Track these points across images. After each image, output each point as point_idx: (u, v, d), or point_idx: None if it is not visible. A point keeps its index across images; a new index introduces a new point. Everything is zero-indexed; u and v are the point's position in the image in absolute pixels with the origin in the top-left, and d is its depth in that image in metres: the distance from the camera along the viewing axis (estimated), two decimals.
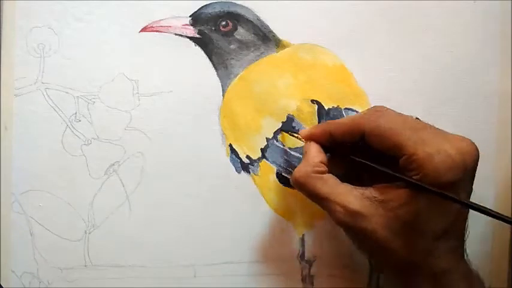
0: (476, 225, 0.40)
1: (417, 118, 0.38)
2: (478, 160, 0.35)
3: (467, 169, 0.34)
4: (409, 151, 0.34)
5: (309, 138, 0.38)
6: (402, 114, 0.37)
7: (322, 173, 0.36)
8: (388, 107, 0.37)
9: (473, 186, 0.43)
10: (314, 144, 0.38)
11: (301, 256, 0.43)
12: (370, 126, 0.36)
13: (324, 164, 0.37)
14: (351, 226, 0.35)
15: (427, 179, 0.33)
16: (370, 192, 0.35)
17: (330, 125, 0.38)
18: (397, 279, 0.37)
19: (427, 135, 0.35)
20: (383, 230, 0.34)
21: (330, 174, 0.36)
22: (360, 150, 0.37)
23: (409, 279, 0.35)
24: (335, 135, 0.37)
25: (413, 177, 0.34)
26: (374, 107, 0.38)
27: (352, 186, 0.36)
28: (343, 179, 0.37)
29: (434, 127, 0.36)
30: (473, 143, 0.35)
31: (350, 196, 0.35)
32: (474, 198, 0.44)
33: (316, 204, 0.37)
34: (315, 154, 0.37)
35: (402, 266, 0.35)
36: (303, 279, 0.43)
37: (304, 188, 0.37)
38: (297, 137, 0.40)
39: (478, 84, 0.44)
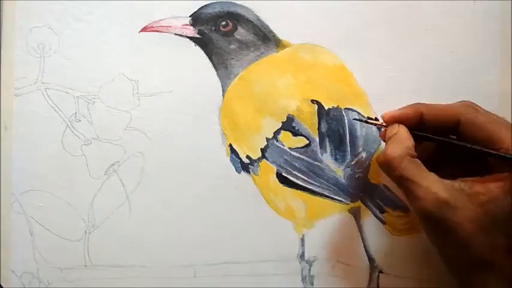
0: None
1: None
2: None
3: None
4: (506, 145, 0.34)
5: (398, 118, 0.38)
6: (492, 113, 0.37)
7: (415, 157, 0.36)
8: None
9: None
10: (404, 127, 0.37)
11: (301, 256, 0.43)
12: (469, 116, 0.36)
13: (414, 148, 0.36)
14: (435, 216, 0.34)
15: None
16: (459, 184, 0.34)
17: (422, 106, 0.38)
18: (463, 277, 0.35)
19: None
20: (470, 224, 0.33)
21: (419, 160, 0.36)
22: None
23: (479, 277, 0.34)
24: (427, 118, 0.37)
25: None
26: (465, 101, 0.38)
27: (438, 176, 0.35)
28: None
29: None
30: None
31: (440, 185, 0.34)
32: None
33: (400, 187, 0.36)
34: (407, 136, 0.37)
35: (478, 263, 0.34)
36: (303, 279, 0.43)
37: (396, 169, 0.35)
38: (373, 121, 0.40)
39: (478, 84, 0.44)
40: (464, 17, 0.44)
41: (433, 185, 0.34)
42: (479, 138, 0.35)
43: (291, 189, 0.43)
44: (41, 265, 0.42)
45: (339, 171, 0.42)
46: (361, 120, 0.41)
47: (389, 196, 0.43)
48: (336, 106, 0.43)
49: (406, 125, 0.37)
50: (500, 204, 0.33)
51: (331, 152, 0.42)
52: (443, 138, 0.37)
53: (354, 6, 0.43)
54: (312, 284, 0.43)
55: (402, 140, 0.36)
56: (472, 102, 0.38)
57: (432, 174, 0.35)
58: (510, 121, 0.44)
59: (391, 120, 0.38)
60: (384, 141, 0.39)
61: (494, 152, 0.35)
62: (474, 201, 0.34)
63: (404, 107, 0.38)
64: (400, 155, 0.35)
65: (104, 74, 0.42)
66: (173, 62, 0.42)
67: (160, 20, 0.42)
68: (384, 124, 0.39)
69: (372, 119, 0.41)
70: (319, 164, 0.42)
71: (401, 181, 0.35)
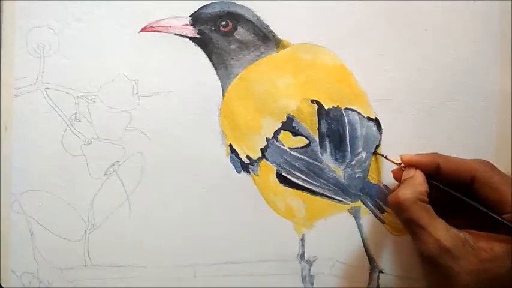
0: None
1: None
2: None
3: None
4: None
5: (414, 164, 0.39)
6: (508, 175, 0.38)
7: (426, 202, 0.37)
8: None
9: None
10: (421, 173, 0.38)
11: (301, 256, 0.43)
12: (485, 175, 0.37)
13: (427, 194, 0.37)
14: (436, 262, 0.35)
15: None
16: (464, 235, 0.35)
17: (439, 157, 0.39)
18: None
19: None
20: (467, 276, 0.34)
21: (430, 206, 0.37)
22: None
23: None
24: (443, 171, 0.38)
25: None
26: (482, 160, 0.39)
27: (447, 224, 0.36)
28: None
29: None
30: None
31: (446, 233, 0.35)
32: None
33: (408, 229, 0.37)
34: (422, 182, 0.38)
35: None
36: (303, 279, 0.43)
37: (406, 212, 0.37)
38: (391, 160, 0.41)
39: (478, 84, 0.44)
40: (464, 17, 0.44)
41: (438, 232, 0.35)
42: (491, 198, 0.36)
43: (291, 189, 0.43)
44: (41, 265, 0.42)
45: (339, 171, 0.42)
46: (381, 155, 0.42)
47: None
48: (336, 106, 0.43)
49: (422, 171, 0.39)
50: (500, 265, 0.34)
51: (331, 152, 0.42)
52: (456, 193, 0.38)
53: (354, 6, 0.43)
54: (312, 284, 0.43)
55: (416, 184, 0.38)
56: (488, 162, 0.38)
57: (440, 221, 0.36)
58: (510, 121, 0.44)
59: (408, 164, 0.39)
60: (398, 181, 0.40)
61: (499, 218, 0.36)
62: (476, 256, 0.35)
63: (422, 155, 0.39)
64: (412, 199, 0.37)
65: (104, 74, 0.42)
66: (173, 62, 0.42)
67: (160, 20, 0.42)
68: (402, 165, 0.40)
69: (382, 155, 0.42)
70: (319, 164, 0.42)
71: (409, 223, 0.37)
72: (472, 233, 0.36)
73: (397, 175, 0.40)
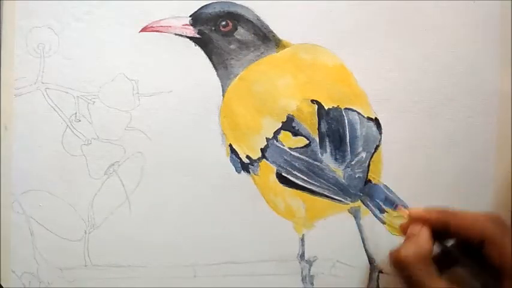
0: None
1: None
2: None
3: None
4: None
5: (421, 220, 0.38)
6: None
7: (428, 262, 0.36)
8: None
9: (473, 187, 0.44)
10: (427, 231, 0.37)
11: (301, 256, 0.43)
12: (496, 239, 0.35)
13: (431, 252, 0.36)
14: None
15: None
16: None
17: (450, 216, 0.37)
18: None
19: None
20: None
21: (434, 265, 0.36)
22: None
23: None
24: (452, 229, 0.37)
25: None
26: (497, 217, 0.37)
27: (449, 284, 0.35)
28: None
29: None
30: None
31: None
32: (474, 198, 0.45)
33: (406, 285, 0.36)
34: (426, 241, 0.37)
35: None
36: (303, 279, 0.43)
37: (405, 270, 0.36)
38: (400, 212, 0.40)
39: (478, 84, 0.44)
40: (464, 17, 0.44)
41: None
42: (503, 264, 0.35)
43: (291, 189, 0.43)
44: (41, 265, 0.42)
45: (339, 171, 0.42)
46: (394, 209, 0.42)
47: (389, 196, 0.43)
48: (336, 106, 0.43)
49: (429, 227, 0.37)
50: None
51: (331, 152, 0.42)
52: (460, 258, 0.37)
53: (354, 6, 0.43)
54: (312, 284, 0.43)
55: (421, 243, 0.37)
56: (500, 218, 0.37)
57: (443, 281, 0.35)
58: (510, 121, 0.44)
59: (418, 219, 0.38)
60: (403, 235, 0.39)
61: None
62: None
63: (431, 210, 0.38)
64: (415, 258, 0.36)
65: (104, 74, 0.42)
66: (173, 62, 0.42)
67: (160, 20, 0.42)
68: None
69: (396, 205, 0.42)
70: (319, 164, 0.42)
71: (409, 281, 0.36)
72: None
73: (406, 230, 0.39)
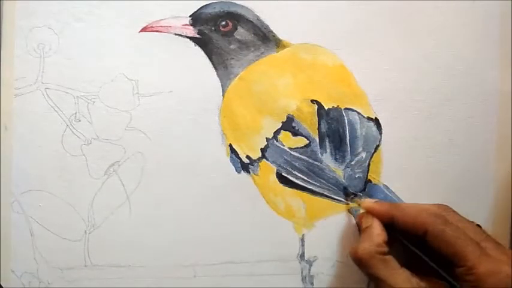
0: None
1: (478, 225, 0.38)
2: None
3: None
4: (470, 264, 0.35)
5: (371, 211, 0.39)
6: (466, 221, 0.37)
7: (384, 253, 0.37)
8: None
9: (473, 187, 0.44)
10: (378, 222, 0.39)
11: (301, 256, 0.43)
12: (436, 229, 0.36)
13: (385, 243, 0.37)
14: None
15: None
16: (425, 284, 0.36)
17: (395, 210, 0.39)
18: None
19: (489, 250, 0.35)
20: None
21: (391, 256, 0.37)
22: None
23: None
24: (397, 223, 0.38)
25: None
26: (440, 206, 0.38)
27: (410, 273, 0.36)
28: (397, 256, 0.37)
29: (493, 239, 0.37)
30: None
31: (407, 283, 0.36)
32: (474, 198, 0.45)
33: (372, 282, 0.38)
34: (379, 232, 0.38)
35: None
36: (303, 279, 0.43)
37: (365, 267, 0.37)
38: (358, 203, 0.41)
39: (478, 84, 0.44)
40: (464, 17, 0.44)
41: (399, 284, 0.36)
42: (444, 252, 0.36)
43: (291, 189, 0.43)
44: (41, 265, 0.42)
45: (339, 171, 0.42)
46: (355, 196, 0.42)
47: (389, 196, 0.43)
48: (335, 106, 0.43)
49: (379, 219, 0.39)
50: None
51: (331, 152, 0.42)
52: (410, 246, 0.38)
53: (354, 6, 0.43)
54: (312, 284, 0.43)
55: (373, 236, 0.38)
56: (445, 209, 0.38)
57: (401, 271, 0.36)
58: (510, 121, 0.44)
59: (368, 210, 0.40)
60: (359, 229, 0.40)
61: (446, 276, 0.36)
62: None
63: (380, 203, 0.40)
64: (370, 253, 0.37)
65: (104, 74, 0.42)
66: (173, 62, 0.42)
67: (160, 20, 0.42)
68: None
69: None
70: (319, 164, 0.42)
71: (370, 276, 0.37)
72: (434, 282, 0.36)
73: (361, 220, 0.41)
